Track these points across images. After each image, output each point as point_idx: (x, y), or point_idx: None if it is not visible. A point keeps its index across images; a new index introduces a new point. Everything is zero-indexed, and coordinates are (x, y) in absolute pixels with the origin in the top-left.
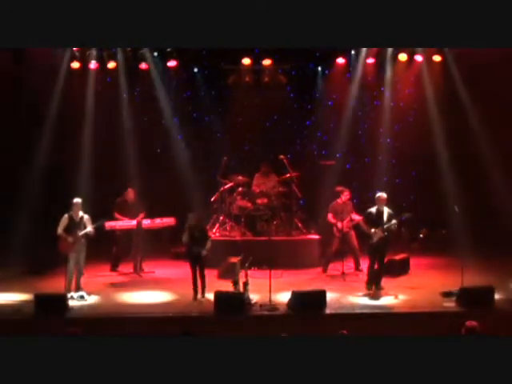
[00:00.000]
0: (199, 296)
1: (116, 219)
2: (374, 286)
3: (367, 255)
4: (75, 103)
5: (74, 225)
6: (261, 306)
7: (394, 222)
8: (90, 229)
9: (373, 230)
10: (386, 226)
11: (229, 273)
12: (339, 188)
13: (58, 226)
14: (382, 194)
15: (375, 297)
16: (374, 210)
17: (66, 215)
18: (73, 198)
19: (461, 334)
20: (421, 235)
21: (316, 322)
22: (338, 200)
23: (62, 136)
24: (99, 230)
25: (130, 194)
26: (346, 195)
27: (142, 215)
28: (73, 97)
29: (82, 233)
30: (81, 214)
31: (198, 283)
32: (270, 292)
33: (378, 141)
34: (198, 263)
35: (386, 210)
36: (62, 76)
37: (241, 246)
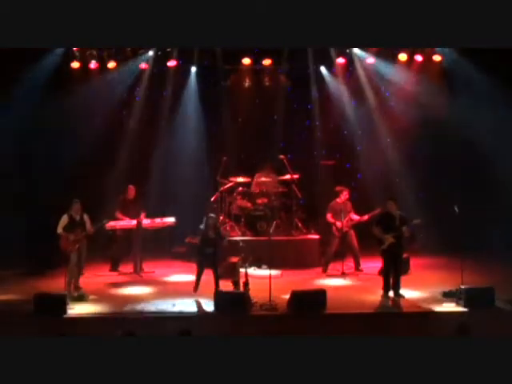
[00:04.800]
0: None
1: (118, 218)
2: (393, 294)
3: (381, 260)
4: (76, 103)
5: (74, 224)
6: (261, 306)
7: (404, 228)
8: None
9: (384, 236)
10: (396, 232)
11: (229, 273)
12: (339, 188)
13: (58, 225)
14: (391, 197)
15: (395, 305)
16: (385, 214)
17: (65, 215)
18: (73, 197)
19: (454, 334)
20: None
21: (316, 322)
22: (337, 200)
23: (62, 136)
24: (100, 230)
25: (131, 191)
26: (345, 195)
27: (143, 215)
28: (74, 96)
29: (95, 226)
30: (81, 213)
31: (200, 281)
32: (270, 292)
33: (378, 141)
34: (211, 264)
35: (398, 215)
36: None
37: (241, 245)
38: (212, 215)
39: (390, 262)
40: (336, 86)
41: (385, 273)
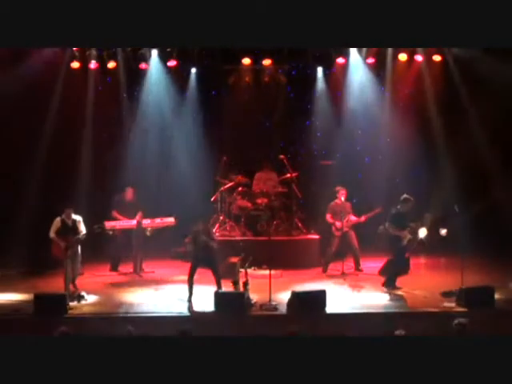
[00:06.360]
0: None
1: (114, 218)
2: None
3: (394, 257)
4: (75, 103)
5: (67, 229)
6: (261, 306)
7: (420, 224)
8: (84, 233)
9: (403, 233)
10: (413, 229)
11: (229, 273)
12: (337, 188)
13: (50, 229)
14: (407, 196)
15: (396, 305)
16: (397, 211)
17: (58, 218)
18: (73, 197)
19: (452, 331)
20: (442, 233)
21: (316, 322)
22: (337, 200)
23: (62, 136)
24: (96, 233)
25: (129, 192)
26: (342, 194)
27: (140, 214)
28: (73, 96)
29: (79, 236)
30: (73, 216)
31: (193, 285)
32: (270, 292)
33: (378, 141)
34: (209, 265)
35: (408, 212)
36: (62, 76)
37: (241, 245)
38: (201, 218)
39: (402, 258)
40: (336, 85)
41: (396, 271)
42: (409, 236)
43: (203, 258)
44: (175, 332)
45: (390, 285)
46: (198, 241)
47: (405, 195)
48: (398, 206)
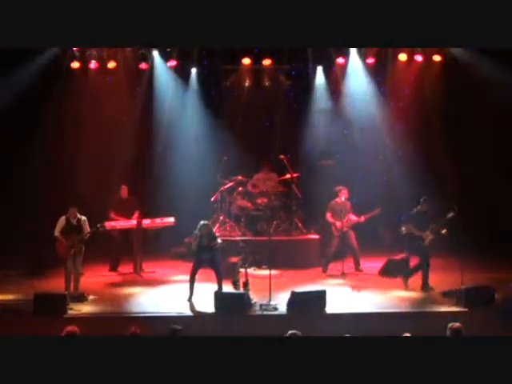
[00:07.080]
0: None
1: (112, 218)
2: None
3: (419, 258)
4: (75, 103)
5: (71, 227)
6: (261, 306)
7: (444, 222)
8: (88, 232)
9: (424, 233)
10: (435, 228)
11: (229, 273)
12: (337, 187)
13: (55, 228)
14: (426, 197)
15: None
16: (417, 211)
17: (62, 217)
18: (73, 197)
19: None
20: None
21: (316, 322)
22: (337, 199)
23: (62, 136)
24: (97, 233)
25: (124, 191)
26: (343, 194)
27: (137, 213)
28: (73, 97)
29: (85, 233)
30: (78, 216)
31: (194, 285)
32: (270, 292)
33: (379, 140)
34: (211, 266)
35: (428, 212)
36: (62, 76)
37: (241, 246)
38: (205, 222)
39: (427, 258)
40: (336, 85)
41: (425, 269)
42: (430, 236)
43: (206, 258)
44: (170, 331)
45: (426, 288)
46: (201, 242)
47: (425, 196)
48: (419, 207)
